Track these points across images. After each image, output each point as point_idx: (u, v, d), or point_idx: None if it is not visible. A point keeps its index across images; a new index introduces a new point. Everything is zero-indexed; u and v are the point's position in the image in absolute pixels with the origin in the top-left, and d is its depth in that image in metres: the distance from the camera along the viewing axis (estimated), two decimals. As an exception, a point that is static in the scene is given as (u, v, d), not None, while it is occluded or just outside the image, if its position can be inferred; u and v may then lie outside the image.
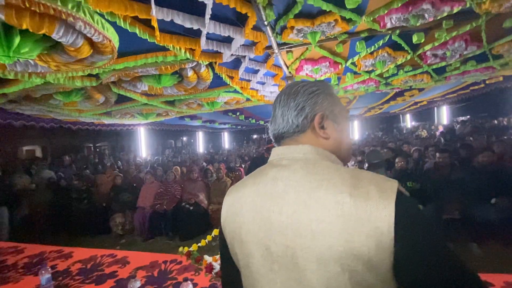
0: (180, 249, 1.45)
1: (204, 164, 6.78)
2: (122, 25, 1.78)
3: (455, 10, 2.17)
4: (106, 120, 5.98)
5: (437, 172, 3.41)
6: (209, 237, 1.45)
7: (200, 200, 4.14)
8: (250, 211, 0.60)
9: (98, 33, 1.79)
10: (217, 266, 1.37)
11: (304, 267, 0.51)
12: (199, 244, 1.44)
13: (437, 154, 3.34)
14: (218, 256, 1.58)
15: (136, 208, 4.30)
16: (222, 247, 0.69)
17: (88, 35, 1.81)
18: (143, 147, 9.79)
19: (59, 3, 1.50)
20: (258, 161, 4.38)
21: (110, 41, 1.96)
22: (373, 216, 0.47)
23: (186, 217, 3.92)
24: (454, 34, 2.74)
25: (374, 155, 3.44)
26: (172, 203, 4.15)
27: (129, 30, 1.86)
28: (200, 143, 13.68)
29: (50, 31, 1.64)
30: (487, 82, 5.57)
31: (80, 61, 2.28)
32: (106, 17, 1.70)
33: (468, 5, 2.13)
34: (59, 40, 1.82)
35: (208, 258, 1.41)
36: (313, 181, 0.54)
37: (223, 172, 4.79)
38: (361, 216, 0.47)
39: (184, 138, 18.88)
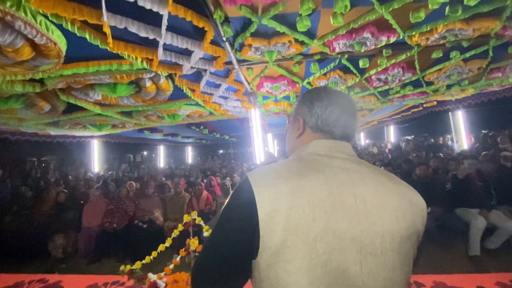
0: (122, 267, 1.34)
1: (164, 179, 6.48)
2: (70, 28, 1.69)
3: (392, 40, 2.48)
4: (53, 131, 5.43)
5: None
6: (154, 253, 1.37)
7: (155, 217, 3.90)
8: (327, 198, 0.57)
9: (40, 34, 1.67)
10: (161, 283, 1.29)
11: (389, 249, 0.57)
12: (143, 261, 1.34)
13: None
14: (163, 274, 1.49)
15: (81, 228, 3.89)
16: (242, 234, 0.58)
17: (29, 36, 1.67)
18: (97, 161, 9.01)
19: (-5, 0, 1.38)
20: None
21: (55, 44, 1.83)
22: (419, 202, 0.64)
23: (139, 236, 3.64)
24: (393, 61, 3.11)
25: None
26: (123, 221, 3.83)
27: (78, 35, 1.77)
28: (162, 158, 13.07)
29: (-19, 28, 1.49)
30: (424, 105, 6.36)
31: (20, 64, 2.08)
32: (50, 18, 1.60)
33: (401, 37, 2.45)
34: (-6, 39, 1.66)
35: (152, 276, 1.32)
36: (377, 174, 0.64)
37: (182, 187, 4.62)
38: (416, 202, 0.64)
39: (145, 153, 17.85)
